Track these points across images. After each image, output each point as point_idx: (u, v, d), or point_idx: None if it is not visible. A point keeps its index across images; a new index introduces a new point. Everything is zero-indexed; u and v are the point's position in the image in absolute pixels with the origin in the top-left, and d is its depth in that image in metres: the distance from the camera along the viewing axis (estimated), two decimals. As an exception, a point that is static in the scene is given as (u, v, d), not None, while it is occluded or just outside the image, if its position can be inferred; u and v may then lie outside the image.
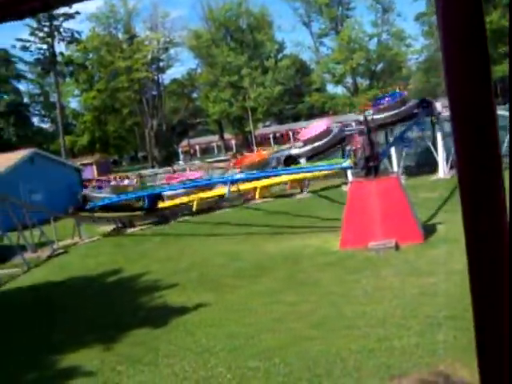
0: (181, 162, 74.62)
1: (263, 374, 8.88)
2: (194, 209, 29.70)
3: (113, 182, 41.70)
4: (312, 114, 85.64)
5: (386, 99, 29.54)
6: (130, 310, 14.16)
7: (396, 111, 27.07)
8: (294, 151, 31.91)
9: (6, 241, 23.57)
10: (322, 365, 8.87)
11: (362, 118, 22.21)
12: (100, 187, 36.41)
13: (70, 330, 13.12)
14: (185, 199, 30.10)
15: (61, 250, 24.96)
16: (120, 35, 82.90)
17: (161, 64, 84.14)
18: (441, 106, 30.46)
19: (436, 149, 30.84)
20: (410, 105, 28.39)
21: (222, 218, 27.92)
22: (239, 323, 11.58)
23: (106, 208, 28.91)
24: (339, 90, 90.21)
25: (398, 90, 31.21)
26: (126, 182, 42.65)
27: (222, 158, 68.36)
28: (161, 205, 29.90)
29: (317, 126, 27.01)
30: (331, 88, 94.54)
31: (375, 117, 24.60)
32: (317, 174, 29.55)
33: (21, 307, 16.53)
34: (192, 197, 29.59)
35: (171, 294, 15.00)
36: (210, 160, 65.03)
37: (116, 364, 10.33)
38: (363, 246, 15.93)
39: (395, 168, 28.75)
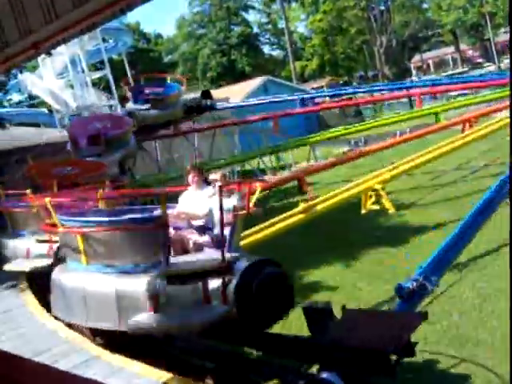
0: (414, 78, 71.86)
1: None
2: None
3: None
4: None
5: None
6: (367, 229, 14.30)
7: None
8: None
9: (247, 166, 25.09)
10: None
11: None
12: None
13: (312, 247, 13.74)
14: None
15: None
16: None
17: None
18: None
19: None
20: None
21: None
22: (482, 241, 10.98)
23: None
24: None
25: None
26: None
27: (459, 71, 64.35)
28: None
29: None
30: None
31: None
32: None
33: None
34: None
35: (410, 213, 14.81)
36: (445, 74, 61.66)
37: (356, 280, 10.63)
38: None
39: None
